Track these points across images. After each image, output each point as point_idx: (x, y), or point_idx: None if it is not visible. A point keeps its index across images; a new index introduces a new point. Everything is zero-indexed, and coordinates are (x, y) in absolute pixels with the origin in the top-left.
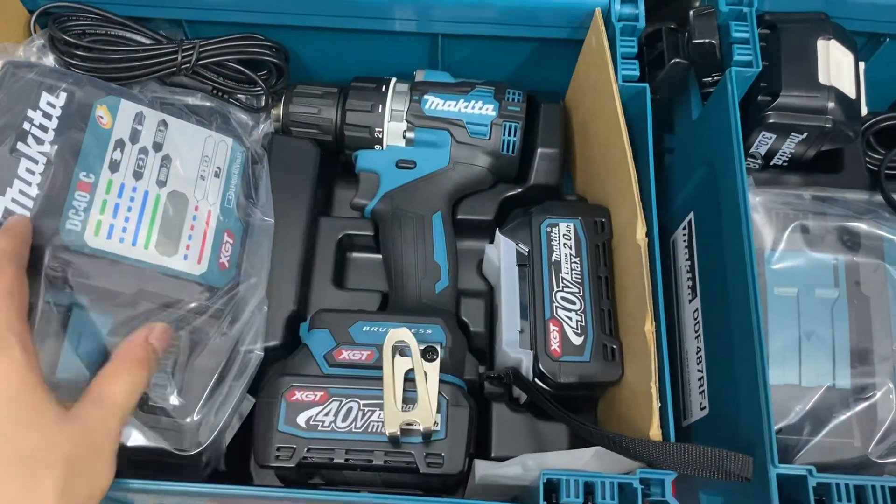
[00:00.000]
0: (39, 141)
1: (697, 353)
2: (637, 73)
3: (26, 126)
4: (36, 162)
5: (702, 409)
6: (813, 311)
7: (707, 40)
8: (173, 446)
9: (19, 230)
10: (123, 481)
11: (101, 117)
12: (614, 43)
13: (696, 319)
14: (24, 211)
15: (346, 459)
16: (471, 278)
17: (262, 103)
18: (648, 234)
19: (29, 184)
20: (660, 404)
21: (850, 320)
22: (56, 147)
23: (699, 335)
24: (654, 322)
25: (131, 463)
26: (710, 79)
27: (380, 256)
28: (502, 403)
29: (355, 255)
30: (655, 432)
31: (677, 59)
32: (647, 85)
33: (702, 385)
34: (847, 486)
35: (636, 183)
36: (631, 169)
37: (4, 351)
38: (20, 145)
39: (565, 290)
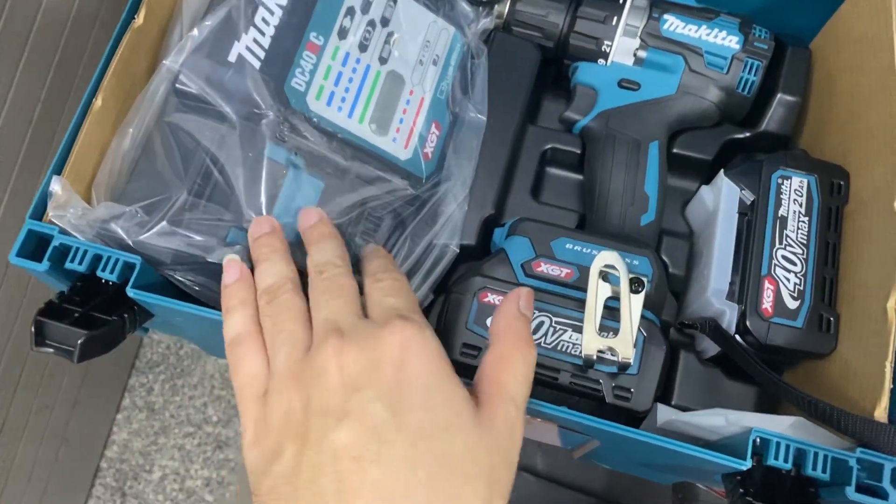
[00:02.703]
0: None
1: None
2: None
3: None
4: (272, 13)
5: None
6: None
7: None
8: None
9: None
10: None
11: None
12: None
13: None
14: (255, 60)
15: None
16: (672, 218)
17: None
18: None
19: (263, 34)
20: (893, 386)
21: None
22: (292, 2)
23: None
24: None
25: None
26: None
27: (578, 176)
28: (691, 353)
29: (553, 170)
30: (881, 414)
31: None
32: None
33: None
34: None
35: None
36: None
37: (418, 330)
38: None
39: (787, 248)
